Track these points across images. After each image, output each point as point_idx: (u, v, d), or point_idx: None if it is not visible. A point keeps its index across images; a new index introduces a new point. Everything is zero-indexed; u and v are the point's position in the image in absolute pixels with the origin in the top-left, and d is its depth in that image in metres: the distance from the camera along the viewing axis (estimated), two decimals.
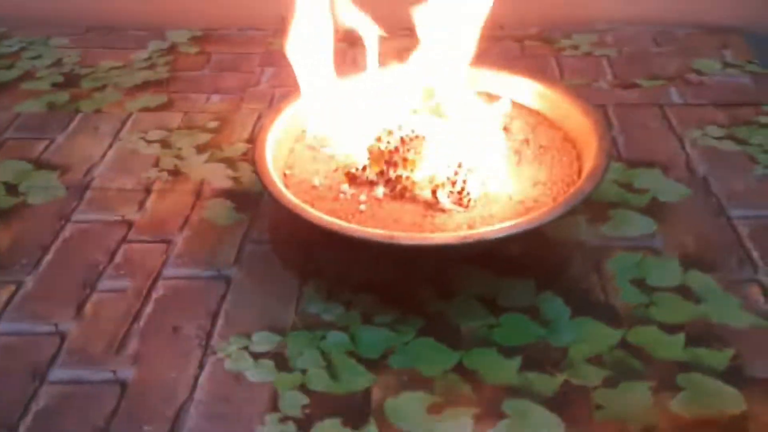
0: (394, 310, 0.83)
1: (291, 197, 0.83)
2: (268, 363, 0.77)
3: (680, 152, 1.07)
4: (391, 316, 0.82)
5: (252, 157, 0.89)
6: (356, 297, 0.84)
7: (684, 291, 0.84)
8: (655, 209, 0.96)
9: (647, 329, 0.79)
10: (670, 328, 0.79)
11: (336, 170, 0.92)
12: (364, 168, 0.91)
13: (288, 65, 1.36)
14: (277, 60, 1.38)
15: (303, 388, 0.74)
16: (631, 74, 1.29)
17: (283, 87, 1.28)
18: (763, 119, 1.14)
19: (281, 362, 0.77)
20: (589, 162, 0.87)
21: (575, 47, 1.39)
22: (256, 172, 0.87)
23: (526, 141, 0.95)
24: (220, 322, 0.82)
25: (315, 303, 0.84)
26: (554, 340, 0.78)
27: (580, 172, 0.91)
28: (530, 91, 1.02)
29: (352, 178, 0.90)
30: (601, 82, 1.27)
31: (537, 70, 1.30)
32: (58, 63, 1.39)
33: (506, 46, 1.40)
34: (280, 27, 1.51)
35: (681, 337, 0.78)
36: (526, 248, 0.89)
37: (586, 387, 0.73)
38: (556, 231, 0.91)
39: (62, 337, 0.80)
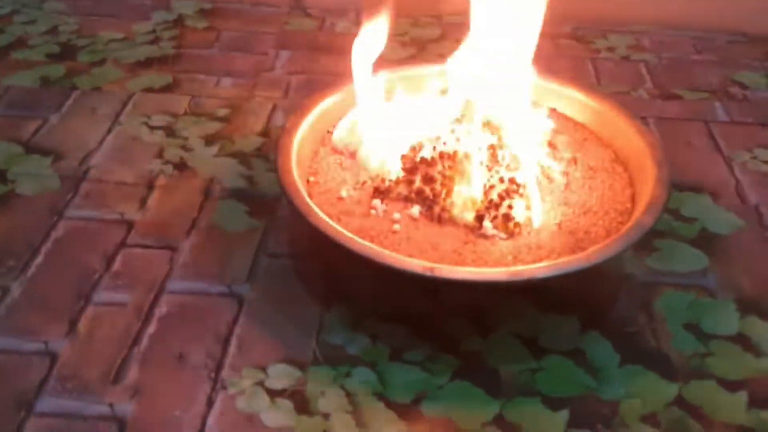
0: (425, 345, 0.75)
1: (321, 215, 0.74)
2: (287, 403, 0.68)
3: (729, 177, 1.00)
4: (422, 352, 0.74)
5: (275, 163, 0.80)
6: (384, 327, 0.76)
7: (743, 341, 0.76)
8: (705, 241, 0.88)
9: (705, 384, 0.72)
10: (730, 385, 0.72)
11: (365, 183, 0.83)
12: (397, 181, 0.82)
13: (303, 49, 1.27)
14: (292, 43, 1.28)
15: None
16: (671, 84, 1.21)
17: (299, 74, 1.19)
18: None
19: (301, 403, 0.68)
20: (646, 190, 0.79)
21: (611, 49, 1.30)
22: (279, 182, 0.78)
23: (574, 160, 0.87)
24: (231, 350, 0.73)
25: (338, 332, 0.75)
26: (604, 393, 0.70)
27: (632, 199, 0.82)
28: (577, 103, 0.93)
29: (382, 193, 0.81)
30: (641, 91, 1.18)
31: (575, 74, 1.21)
32: (53, 31, 1.28)
33: (540, 43, 1.31)
34: (294, 5, 1.42)
35: (742, 396, 0.71)
36: (567, 279, 0.80)
37: None
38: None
39: (53, 358, 0.71)
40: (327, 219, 0.74)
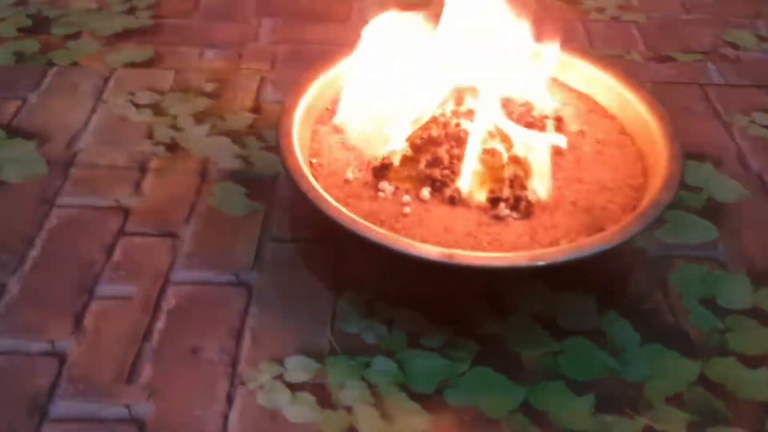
0: (443, 330, 0.73)
1: (331, 200, 0.71)
2: (308, 398, 0.67)
3: (730, 143, 0.99)
4: (440, 337, 0.72)
5: (277, 146, 0.77)
6: (399, 313, 0.75)
7: (759, 314, 0.76)
8: (712, 211, 0.88)
9: (726, 362, 0.72)
10: (751, 361, 0.72)
11: (370, 163, 0.81)
12: (402, 161, 0.80)
13: (287, 16, 1.22)
14: (274, 9, 1.24)
15: (352, 431, 0.64)
16: (663, 45, 1.19)
17: (285, 43, 1.15)
18: None
19: (323, 396, 0.67)
20: (659, 165, 0.78)
21: (601, 10, 1.28)
22: (284, 166, 0.75)
23: (582, 133, 0.85)
24: (245, 342, 0.71)
25: (353, 320, 0.74)
26: (627, 374, 0.70)
27: (644, 173, 0.81)
28: (580, 72, 0.91)
29: (386, 173, 0.79)
30: (634, 54, 1.17)
31: (566, 38, 1.18)
32: (23, 1, 1.21)
33: (526, 5, 1.28)
34: None
35: (764, 372, 0.70)
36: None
37: None
38: None
39: (61, 358, 0.69)
40: (337, 205, 0.72)
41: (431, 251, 0.68)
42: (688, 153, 0.94)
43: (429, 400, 0.67)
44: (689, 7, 1.30)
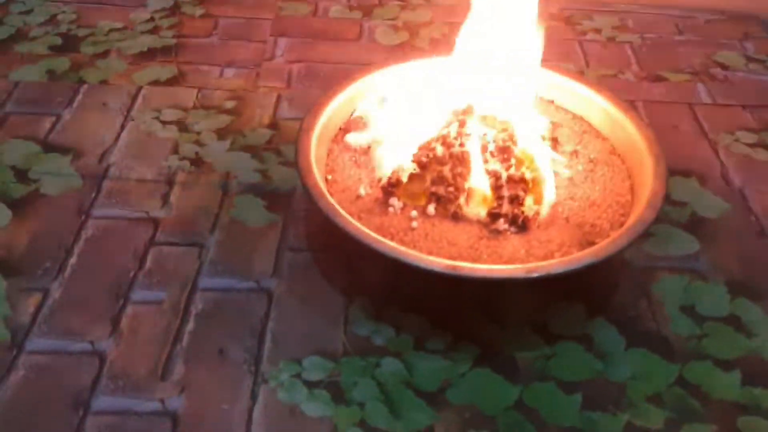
0: (445, 334, 0.81)
1: (347, 216, 0.79)
2: (324, 394, 0.74)
3: (714, 160, 1.06)
4: (444, 341, 0.80)
5: (296, 164, 0.84)
6: (406, 318, 0.82)
7: (734, 322, 0.83)
8: (695, 225, 0.95)
9: (702, 365, 0.79)
10: (725, 365, 0.79)
11: (380, 180, 0.88)
12: (410, 178, 0.87)
13: (301, 35, 1.30)
14: (288, 29, 1.31)
15: (364, 425, 0.72)
16: (656, 65, 1.26)
17: (299, 62, 1.22)
18: None
19: (337, 393, 0.74)
20: (645, 184, 0.85)
21: (598, 31, 1.35)
22: (303, 184, 0.82)
23: (575, 153, 0.93)
24: (267, 344, 0.78)
25: (363, 324, 0.81)
26: (612, 375, 0.77)
27: (631, 190, 0.88)
28: (574, 95, 0.99)
29: (394, 190, 0.86)
30: (628, 74, 1.24)
31: (564, 58, 1.26)
32: (52, 21, 1.29)
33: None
34: None
35: (737, 374, 0.78)
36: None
37: (650, 430, 0.72)
38: None
39: (101, 357, 0.76)
40: (352, 220, 0.79)
41: (438, 263, 0.75)
42: (675, 170, 1.02)
43: (433, 398, 0.75)
44: (682, 29, 1.37)
